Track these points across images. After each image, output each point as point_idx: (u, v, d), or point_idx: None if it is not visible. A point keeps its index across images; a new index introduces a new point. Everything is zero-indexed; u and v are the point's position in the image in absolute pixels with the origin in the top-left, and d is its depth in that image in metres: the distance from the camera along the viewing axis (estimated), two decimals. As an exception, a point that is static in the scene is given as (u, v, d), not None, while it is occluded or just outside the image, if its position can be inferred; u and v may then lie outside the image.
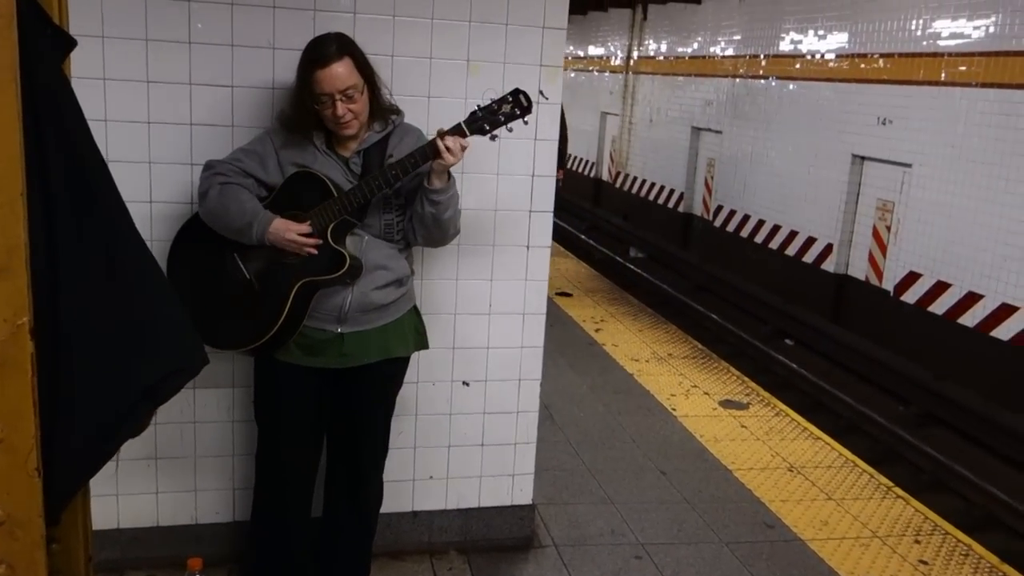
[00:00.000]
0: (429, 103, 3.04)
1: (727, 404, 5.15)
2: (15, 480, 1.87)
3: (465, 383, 3.32)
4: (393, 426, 3.20)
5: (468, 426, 3.36)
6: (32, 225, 1.80)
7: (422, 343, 2.95)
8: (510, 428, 3.40)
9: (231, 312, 2.69)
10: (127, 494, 3.14)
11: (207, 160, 2.70)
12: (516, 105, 2.60)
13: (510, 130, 2.64)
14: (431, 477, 3.38)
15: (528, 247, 3.25)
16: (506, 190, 3.19)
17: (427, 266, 3.17)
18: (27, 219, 1.78)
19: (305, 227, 2.58)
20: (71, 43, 2.12)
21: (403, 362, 2.91)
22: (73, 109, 1.95)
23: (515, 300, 3.29)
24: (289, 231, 2.57)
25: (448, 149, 2.54)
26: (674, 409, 5.00)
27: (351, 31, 2.92)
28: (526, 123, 2.64)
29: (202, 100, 2.90)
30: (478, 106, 2.62)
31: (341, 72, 2.53)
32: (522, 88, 2.61)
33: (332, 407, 2.88)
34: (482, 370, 3.32)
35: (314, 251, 2.58)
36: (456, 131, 2.58)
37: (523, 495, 3.47)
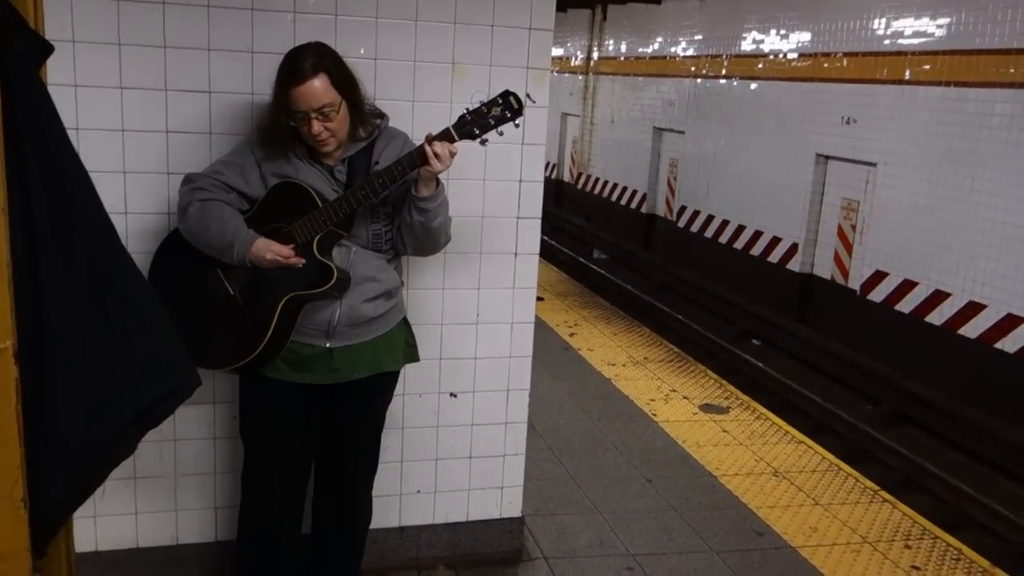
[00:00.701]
0: (414, 107, 2.95)
1: (707, 408, 5.12)
2: (0, 512, 1.77)
3: (452, 395, 3.24)
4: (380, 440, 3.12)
5: (455, 438, 3.28)
6: (15, 247, 1.69)
7: (413, 356, 2.86)
8: (498, 440, 3.32)
9: (215, 330, 2.58)
10: (106, 515, 3.01)
11: (187, 174, 2.59)
12: (506, 108, 2.50)
13: (500, 134, 2.54)
14: (418, 491, 3.29)
15: (516, 254, 3.18)
16: (493, 196, 3.11)
17: (413, 275, 3.08)
18: (8, 238, 1.67)
19: (287, 249, 2.47)
20: (48, 48, 2.01)
21: (393, 376, 2.82)
22: (53, 119, 1.84)
23: (503, 309, 3.21)
24: (271, 251, 2.47)
25: (436, 155, 2.44)
26: (654, 414, 4.96)
27: (332, 34, 2.83)
28: (517, 126, 2.54)
29: (178, 107, 2.78)
30: (467, 109, 2.51)
31: (317, 90, 2.42)
32: (512, 90, 2.52)
33: (320, 423, 2.78)
34: (469, 381, 3.24)
35: (299, 265, 2.48)
36: (444, 136, 2.48)
37: (512, 507, 3.40)
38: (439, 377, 3.21)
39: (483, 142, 2.52)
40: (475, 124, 2.49)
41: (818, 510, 3.96)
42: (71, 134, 2.68)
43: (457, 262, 3.12)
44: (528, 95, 3.00)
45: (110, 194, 2.76)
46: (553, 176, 17.26)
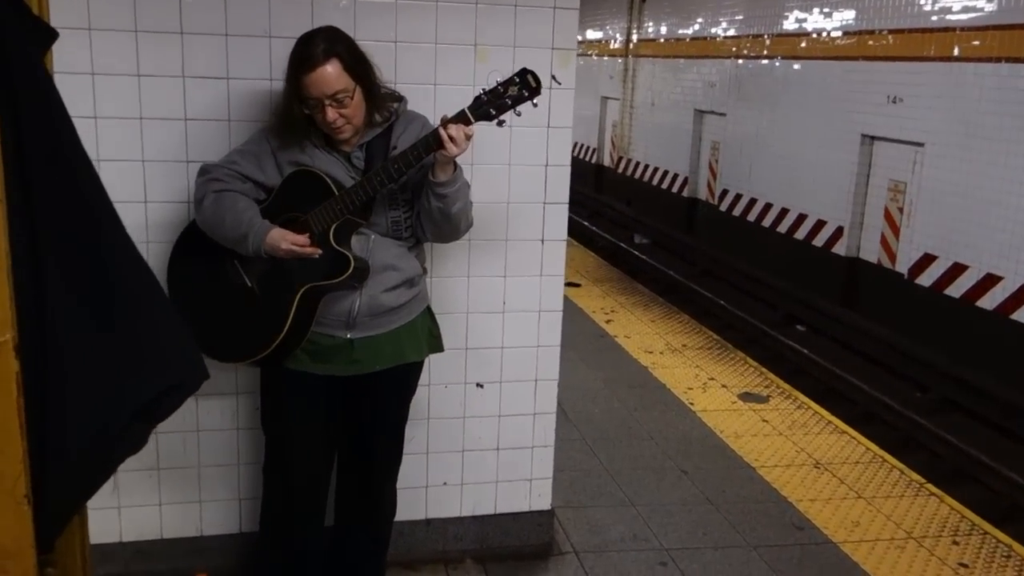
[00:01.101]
0: (435, 91, 2.88)
1: (746, 397, 5.00)
2: (3, 508, 1.72)
3: (479, 385, 3.17)
4: (406, 431, 3.06)
5: (483, 429, 3.21)
6: (13, 234, 1.65)
7: (436, 346, 2.80)
8: (527, 431, 3.25)
9: (233, 322, 2.54)
10: (129, 506, 2.99)
11: (202, 164, 2.54)
12: (524, 87, 2.39)
13: (518, 114, 2.44)
14: (445, 483, 3.23)
15: (543, 241, 3.09)
16: (518, 181, 3.02)
17: (437, 263, 3.01)
18: (7, 228, 1.63)
19: (302, 237, 2.41)
20: (52, 35, 1.96)
21: (417, 367, 2.76)
22: (56, 107, 1.78)
23: (530, 297, 3.13)
24: (285, 240, 2.41)
25: (452, 139, 2.35)
26: (692, 403, 4.85)
27: (351, 16, 2.76)
28: (535, 105, 2.44)
29: (196, 94, 2.74)
30: (483, 90, 2.42)
31: (329, 75, 2.34)
32: (530, 68, 2.42)
33: (343, 415, 2.72)
34: (496, 371, 3.17)
35: (316, 255, 2.42)
36: (460, 118, 2.39)
37: (541, 500, 3.32)
38: (465, 367, 3.14)
39: (500, 123, 2.42)
40: (491, 105, 2.40)
41: (861, 503, 3.83)
42: (88, 123, 2.69)
43: (482, 249, 3.04)
44: (553, 76, 2.95)
45: (129, 183, 2.75)
46: (593, 161, 17.09)
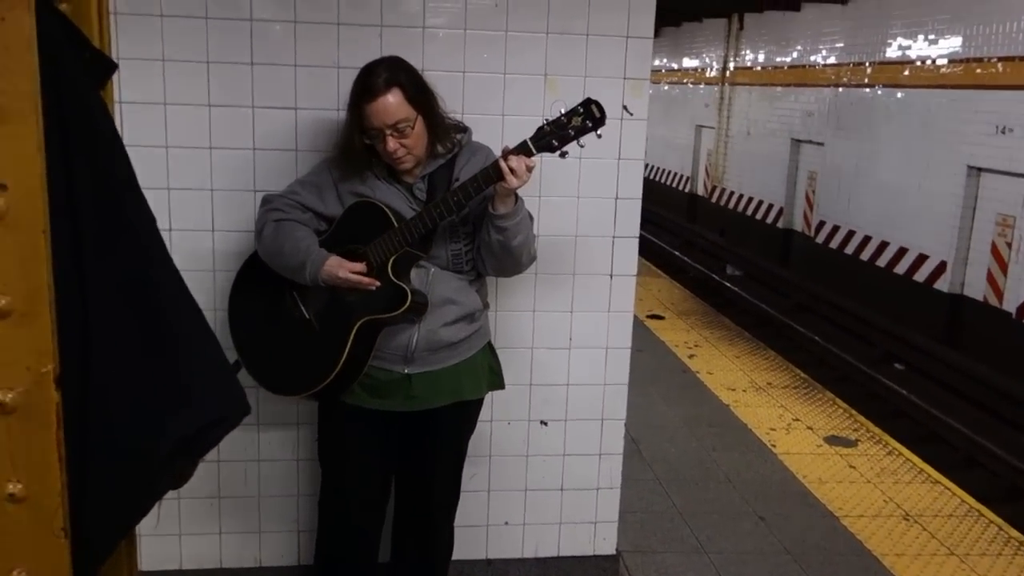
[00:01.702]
0: (503, 121, 2.82)
1: (833, 440, 4.76)
2: (40, 541, 1.72)
3: (543, 422, 3.08)
4: (465, 468, 2.98)
5: (546, 469, 3.12)
6: (58, 265, 1.65)
7: (497, 383, 2.72)
8: (592, 471, 3.14)
9: (290, 354, 2.52)
10: (190, 534, 3.00)
11: (264, 195, 2.54)
12: (588, 117, 2.31)
13: (582, 146, 2.36)
14: (506, 523, 3.14)
15: (611, 275, 3.00)
16: (587, 214, 2.94)
17: (501, 297, 2.95)
18: (51, 259, 1.63)
19: (360, 265, 2.38)
20: (111, 66, 1.98)
21: (476, 405, 2.69)
22: (108, 137, 1.78)
23: (598, 333, 3.03)
24: (343, 269, 2.38)
25: (512, 170, 2.28)
26: (774, 445, 4.65)
27: (419, 47, 2.74)
28: (599, 136, 2.35)
29: (265, 124, 2.75)
30: (545, 120, 2.35)
31: (390, 105, 2.31)
32: (594, 98, 2.34)
33: (399, 452, 2.67)
34: (561, 409, 3.08)
35: (373, 287, 2.38)
36: (521, 149, 2.32)
37: (606, 544, 3.20)
38: (529, 404, 3.06)
39: (563, 155, 2.35)
40: (554, 136, 2.32)
41: (953, 561, 3.59)
42: (160, 152, 2.72)
43: (548, 283, 2.97)
44: (625, 107, 2.87)
45: (197, 212, 2.77)
46: (687, 190, 16.87)
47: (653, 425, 4.76)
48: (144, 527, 2.55)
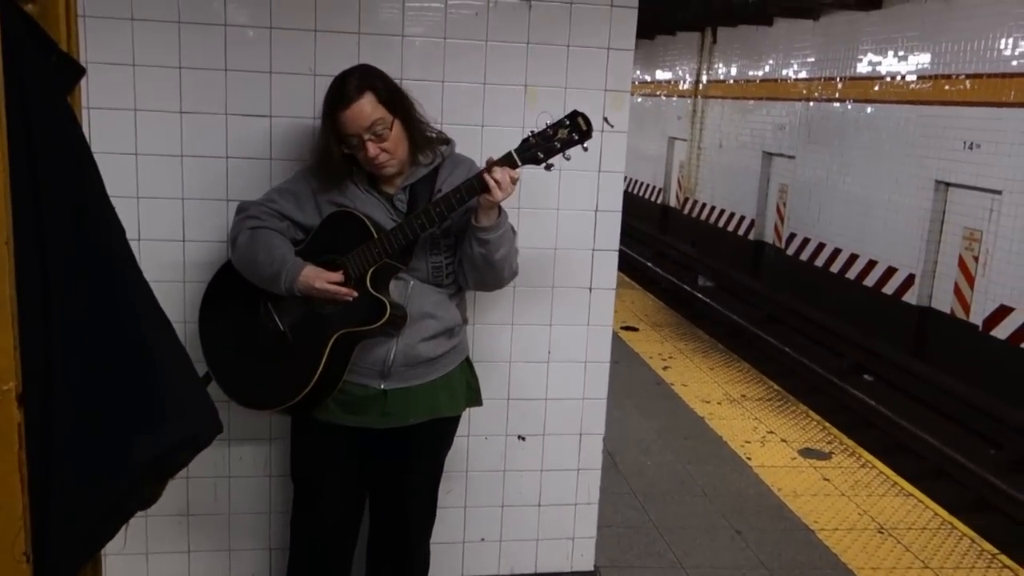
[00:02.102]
0: (483, 132, 2.79)
1: (807, 453, 4.76)
2: (1, 566, 1.65)
3: (521, 437, 3.04)
4: (442, 484, 2.93)
5: (524, 484, 3.07)
6: (21, 277, 1.58)
7: (475, 399, 2.67)
8: (570, 487, 3.10)
9: (263, 368, 2.45)
10: (157, 552, 2.92)
11: (240, 202, 2.48)
12: (574, 129, 2.29)
13: (567, 158, 2.34)
14: (483, 539, 3.09)
15: (591, 289, 2.96)
16: (567, 226, 2.91)
17: (480, 310, 2.90)
18: (13, 271, 1.56)
19: (337, 275, 2.33)
20: (79, 71, 1.91)
21: (453, 422, 2.63)
22: (75, 144, 1.72)
23: (576, 347, 3.00)
24: (319, 279, 2.32)
25: (496, 183, 2.25)
26: (749, 458, 4.63)
27: (398, 56, 2.69)
28: (586, 149, 2.33)
29: (239, 132, 2.69)
30: (531, 132, 2.32)
31: (364, 108, 2.27)
32: (580, 111, 2.31)
33: (374, 469, 2.61)
34: (539, 423, 3.04)
35: (350, 298, 2.33)
36: (506, 160, 2.29)
37: (584, 560, 3.16)
38: (507, 419, 3.01)
39: (548, 167, 2.32)
40: (539, 148, 2.29)
41: (928, 574, 3.58)
42: (128, 159, 2.65)
43: (528, 297, 2.93)
44: (606, 119, 2.84)
45: (167, 221, 2.70)
46: (659, 201, 16.92)
47: (629, 438, 4.73)
48: (110, 547, 2.43)
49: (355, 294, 2.33)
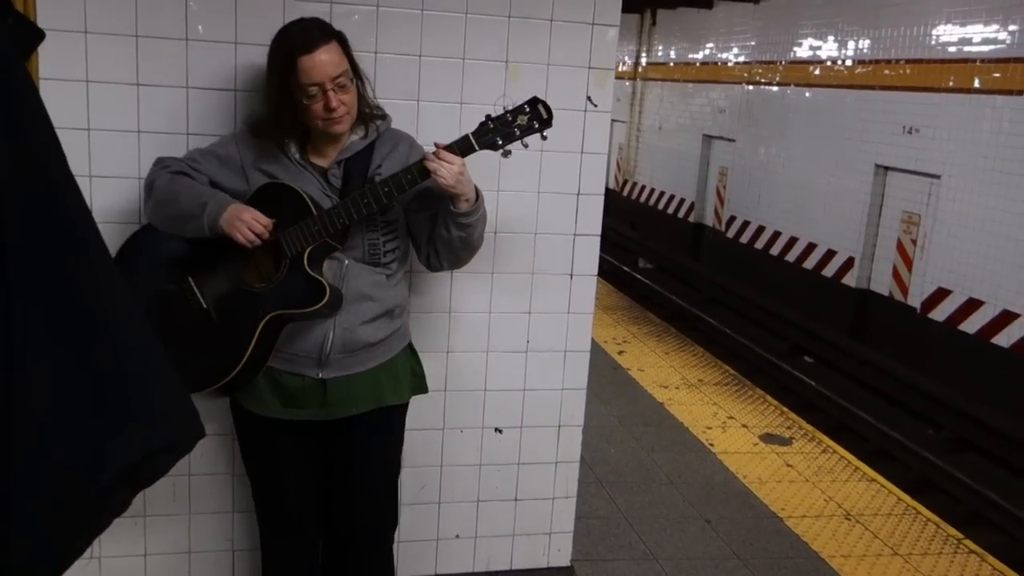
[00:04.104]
0: (461, 109, 2.65)
1: (768, 439, 4.74)
2: (-42, 589, 1.48)
3: (498, 430, 2.92)
4: (415, 479, 2.82)
5: (500, 478, 2.96)
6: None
7: (420, 387, 2.51)
8: (547, 480, 3.00)
9: (182, 348, 2.22)
10: (111, 556, 2.72)
11: (157, 156, 2.31)
12: (534, 117, 2.20)
13: (525, 145, 2.25)
14: (457, 536, 2.97)
15: (571, 275, 2.85)
16: (548, 211, 2.79)
17: (456, 299, 2.77)
18: (-29, 260, 1.38)
19: (265, 218, 2.15)
20: (38, 35, 1.72)
21: (399, 411, 2.46)
22: (37, 116, 1.54)
23: (556, 336, 2.88)
24: (248, 211, 2.14)
25: (436, 172, 2.13)
26: (711, 444, 4.59)
27: (372, 27, 2.53)
28: (544, 138, 2.24)
29: (200, 106, 2.49)
30: (488, 116, 2.21)
31: (332, 57, 2.13)
32: (542, 98, 2.21)
33: (325, 468, 2.44)
34: (517, 415, 2.92)
35: (259, 241, 2.15)
36: (462, 143, 2.18)
37: (561, 556, 3.07)
38: (483, 410, 2.89)
39: (506, 154, 2.21)
40: (498, 133, 2.19)
41: (897, 561, 3.58)
42: (80, 135, 2.44)
43: (506, 283, 2.80)
44: (589, 98, 2.73)
45: (123, 202, 2.50)
46: (596, 183, 16.89)
47: (590, 425, 4.58)
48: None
49: (267, 234, 2.15)
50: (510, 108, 2.20)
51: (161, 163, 2.28)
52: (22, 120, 1.49)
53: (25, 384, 1.44)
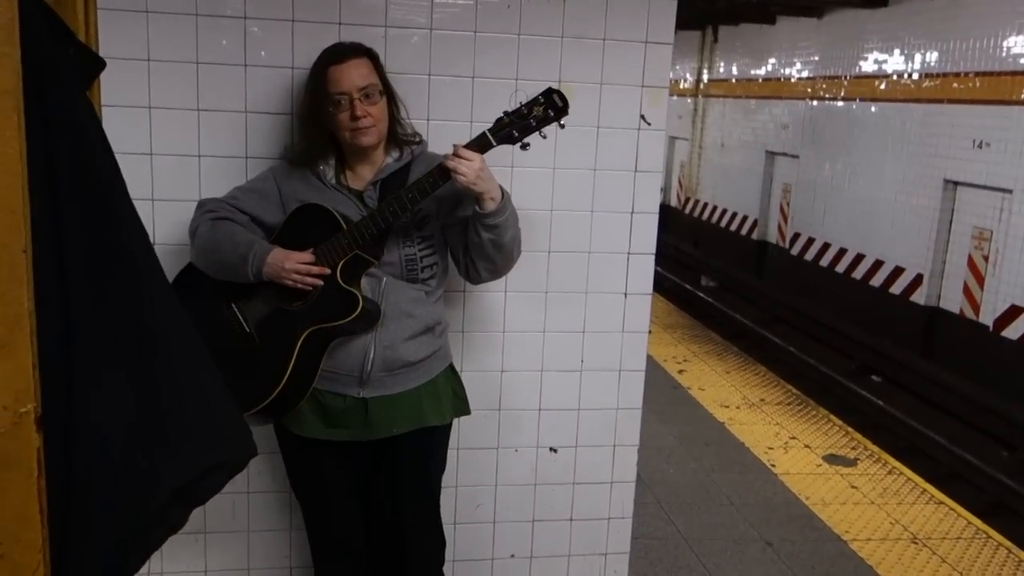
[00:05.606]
0: (514, 130, 2.64)
1: (832, 459, 4.64)
2: (19, 603, 1.51)
3: (552, 449, 2.91)
4: (470, 498, 2.83)
5: (555, 498, 2.94)
6: (40, 290, 1.44)
7: (462, 408, 2.50)
8: (603, 500, 2.97)
9: (229, 372, 2.28)
10: (172, 572, 2.77)
11: (200, 200, 2.37)
12: (549, 106, 2.20)
13: (544, 136, 2.24)
14: (512, 556, 2.96)
15: (626, 294, 2.83)
16: (601, 229, 2.77)
17: (510, 318, 2.77)
18: (32, 283, 1.42)
19: (307, 255, 2.19)
20: (99, 64, 1.77)
21: (441, 432, 2.45)
22: (97, 144, 1.58)
23: (611, 355, 2.86)
24: (290, 259, 2.18)
25: (456, 170, 2.14)
26: (773, 465, 4.51)
27: (427, 51, 2.56)
28: (562, 127, 2.24)
29: (258, 129, 2.55)
30: (504, 112, 2.23)
31: (362, 68, 2.22)
32: (556, 88, 2.22)
33: (365, 484, 2.45)
34: (572, 435, 2.90)
35: (319, 282, 2.19)
36: (480, 141, 2.20)
37: (617, 577, 3.04)
38: (537, 430, 2.88)
39: (525, 147, 2.23)
40: (514, 126, 2.20)
41: (967, 588, 3.47)
42: (142, 160, 2.51)
43: (560, 302, 2.79)
44: (643, 116, 2.71)
45: (182, 225, 2.55)
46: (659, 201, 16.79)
47: (650, 445, 4.60)
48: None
49: (327, 271, 2.20)
50: (525, 102, 2.22)
51: (203, 207, 2.34)
52: (83, 147, 1.54)
53: (83, 402, 1.48)
